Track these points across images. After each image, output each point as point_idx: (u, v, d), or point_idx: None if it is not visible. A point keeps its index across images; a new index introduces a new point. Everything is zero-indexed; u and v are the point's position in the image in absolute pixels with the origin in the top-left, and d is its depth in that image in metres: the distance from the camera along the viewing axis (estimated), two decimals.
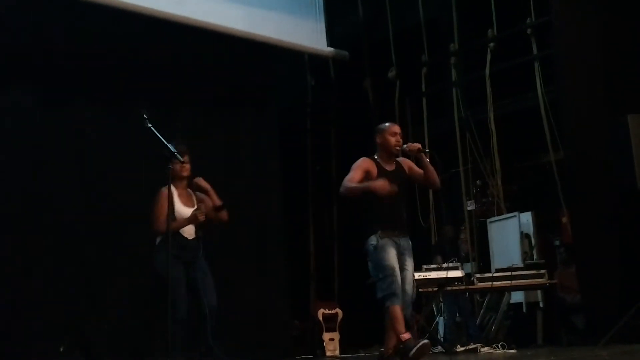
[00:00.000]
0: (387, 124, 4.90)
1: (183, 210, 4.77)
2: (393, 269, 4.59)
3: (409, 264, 4.75)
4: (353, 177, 4.69)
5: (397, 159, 4.88)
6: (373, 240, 4.68)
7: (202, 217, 4.75)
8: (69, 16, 6.42)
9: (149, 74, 6.83)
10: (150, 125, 4.42)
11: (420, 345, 4.42)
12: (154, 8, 6.75)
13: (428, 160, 4.78)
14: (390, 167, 4.80)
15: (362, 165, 4.75)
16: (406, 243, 4.78)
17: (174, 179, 4.72)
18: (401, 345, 4.49)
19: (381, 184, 4.53)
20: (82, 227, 6.33)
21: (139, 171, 6.58)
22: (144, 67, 6.83)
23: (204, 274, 4.77)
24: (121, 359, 6.11)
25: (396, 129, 4.83)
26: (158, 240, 4.75)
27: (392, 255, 4.63)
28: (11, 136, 6.14)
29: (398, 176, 4.80)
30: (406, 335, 4.50)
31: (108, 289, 6.30)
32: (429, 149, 4.92)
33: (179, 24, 6.96)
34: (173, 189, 4.70)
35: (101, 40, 6.57)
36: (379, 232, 4.68)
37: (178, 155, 4.49)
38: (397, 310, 4.54)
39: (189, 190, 4.92)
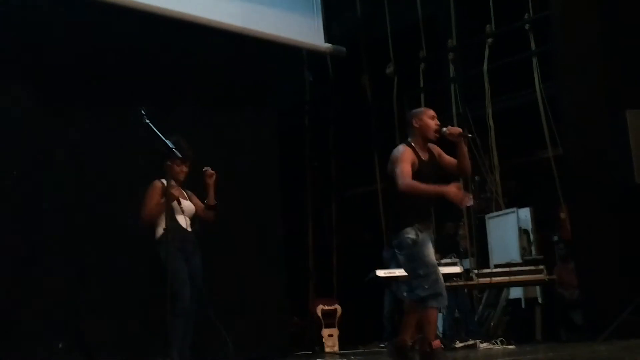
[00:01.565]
0: (422, 108, 4.68)
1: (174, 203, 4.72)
2: (435, 266, 4.30)
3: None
4: (406, 171, 4.31)
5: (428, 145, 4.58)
6: (411, 233, 4.33)
7: (176, 192, 4.68)
8: (66, 13, 6.39)
9: (146, 71, 6.80)
10: (148, 121, 4.40)
11: None
12: (151, 4, 6.73)
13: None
14: (425, 156, 4.49)
15: (407, 156, 4.39)
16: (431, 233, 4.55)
17: (170, 177, 4.66)
18: (428, 350, 4.27)
19: (455, 193, 4.18)
20: (81, 226, 6.30)
21: (138, 169, 6.56)
22: (141, 64, 6.80)
23: (197, 274, 4.80)
24: (120, 358, 6.10)
25: (433, 112, 4.53)
26: (159, 234, 4.72)
27: (432, 251, 4.34)
28: (9, 135, 6.12)
29: (433, 165, 4.51)
30: (438, 343, 4.31)
31: (107, 288, 6.28)
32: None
33: (176, 20, 6.94)
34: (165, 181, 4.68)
35: (98, 38, 6.54)
36: (416, 224, 4.36)
37: (176, 152, 4.46)
38: (435, 313, 4.32)
39: (181, 189, 4.90)
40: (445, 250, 7.68)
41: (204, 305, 4.81)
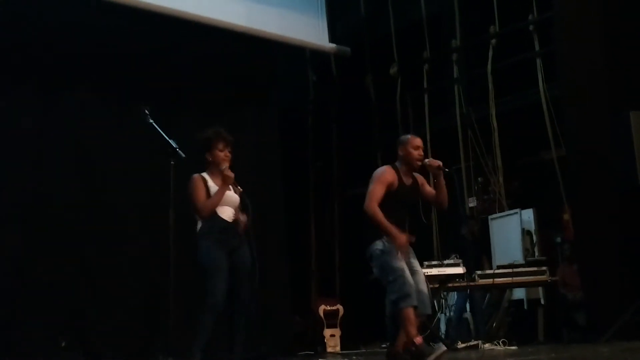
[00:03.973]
0: (409, 136, 4.90)
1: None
2: (403, 270, 4.57)
3: (417, 264, 4.77)
4: (376, 194, 4.65)
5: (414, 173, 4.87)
6: (379, 244, 4.68)
7: (228, 173, 4.54)
8: (70, 11, 6.41)
9: (150, 70, 6.83)
10: (152, 120, 4.39)
11: (440, 354, 4.41)
12: (155, 3, 6.74)
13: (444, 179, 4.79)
14: (408, 181, 4.80)
15: (386, 178, 4.72)
16: (410, 247, 4.78)
17: (213, 166, 4.61)
18: (413, 348, 4.46)
19: (401, 241, 4.56)
20: (83, 224, 6.32)
21: (140, 168, 6.59)
22: (145, 63, 6.82)
23: (245, 268, 4.56)
24: (121, 356, 6.11)
25: (418, 142, 4.82)
26: (199, 226, 4.58)
27: (399, 264, 4.61)
28: (11, 132, 6.13)
29: (413, 192, 4.83)
30: (419, 339, 4.49)
31: (109, 286, 6.30)
32: (444, 165, 4.79)
33: (180, 19, 6.95)
34: (207, 174, 4.62)
35: (101, 36, 6.56)
36: (385, 237, 4.67)
37: (180, 152, 4.44)
38: (411, 312, 4.52)
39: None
40: (466, 249, 7.65)
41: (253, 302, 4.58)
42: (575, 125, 6.71)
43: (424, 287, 4.66)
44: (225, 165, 4.61)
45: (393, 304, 4.58)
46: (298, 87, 9.51)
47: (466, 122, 8.95)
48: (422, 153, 4.80)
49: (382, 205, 4.66)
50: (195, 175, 4.61)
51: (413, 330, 4.49)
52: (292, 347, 7.75)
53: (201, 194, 4.55)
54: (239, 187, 4.72)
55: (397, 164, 4.84)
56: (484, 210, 8.72)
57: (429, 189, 4.88)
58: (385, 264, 4.63)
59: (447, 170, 4.78)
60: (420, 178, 4.88)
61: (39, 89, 6.36)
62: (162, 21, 6.86)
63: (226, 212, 4.60)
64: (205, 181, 4.60)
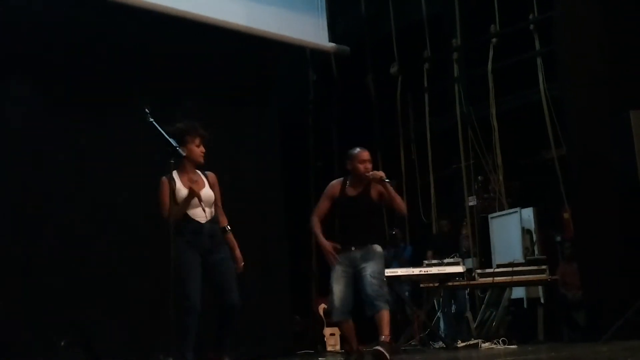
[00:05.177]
0: (357, 151, 5.04)
1: (186, 193, 4.40)
2: (332, 289, 4.95)
3: (368, 267, 4.85)
4: (319, 207, 5.12)
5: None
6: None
7: (197, 191, 4.37)
8: (69, 10, 6.40)
9: (150, 70, 6.82)
10: (152, 120, 4.37)
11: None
12: (155, 3, 6.74)
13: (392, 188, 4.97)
14: (354, 192, 5.01)
15: (328, 191, 5.11)
16: (365, 251, 4.90)
17: (186, 161, 4.45)
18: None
19: (328, 252, 4.91)
20: (83, 224, 6.31)
21: (141, 168, 6.57)
22: (145, 62, 6.81)
23: (224, 264, 4.48)
24: (121, 356, 6.11)
25: (365, 155, 4.99)
26: (172, 228, 4.28)
27: (334, 277, 4.95)
28: (11, 132, 6.13)
29: (359, 201, 4.99)
30: (347, 347, 5.20)
31: (110, 286, 6.30)
32: (389, 178, 4.97)
33: (180, 18, 6.95)
34: (175, 174, 4.43)
35: (101, 35, 6.55)
36: (339, 250, 4.98)
37: (180, 151, 4.40)
38: (341, 326, 5.18)
39: (198, 172, 4.58)
40: (442, 248, 7.68)
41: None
42: (575, 124, 6.72)
43: (368, 288, 4.79)
44: (197, 164, 4.54)
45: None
46: (298, 87, 9.51)
47: (466, 122, 8.96)
48: (369, 166, 4.96)
49: (336, 215, 5.07)
50: (163, 178, 4.36)
51: (349, 340, 5.15)
52: (292, 346, 7.76)
53: (165, 198, 4.33)
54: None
55: (348, 177, 5.07)
56: (484, 209, 8.74)
57: (386, 197, 4.99)
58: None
59: (388, 180, 4.90)
60: (376, 188, 4.99)
61: (37, 88, 6.35)
62: (162, 21, 6.86)
63: (199, 213, 4.43)
64: (171, 183, 4.33)
